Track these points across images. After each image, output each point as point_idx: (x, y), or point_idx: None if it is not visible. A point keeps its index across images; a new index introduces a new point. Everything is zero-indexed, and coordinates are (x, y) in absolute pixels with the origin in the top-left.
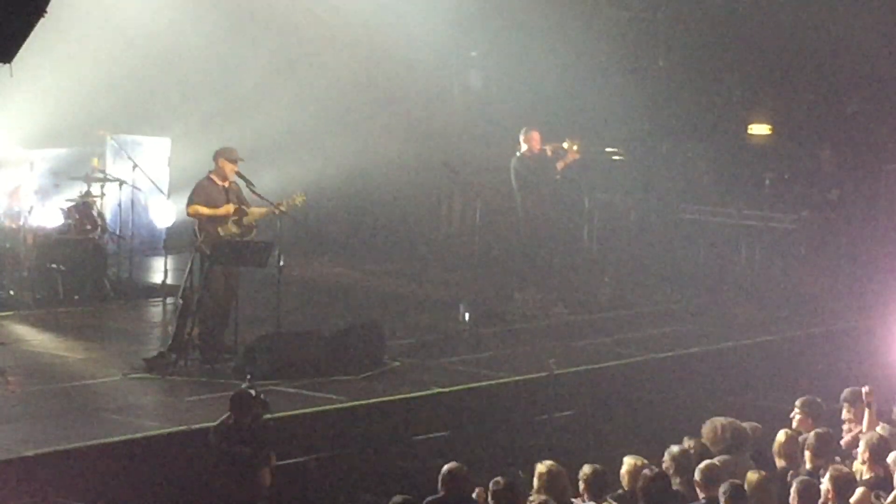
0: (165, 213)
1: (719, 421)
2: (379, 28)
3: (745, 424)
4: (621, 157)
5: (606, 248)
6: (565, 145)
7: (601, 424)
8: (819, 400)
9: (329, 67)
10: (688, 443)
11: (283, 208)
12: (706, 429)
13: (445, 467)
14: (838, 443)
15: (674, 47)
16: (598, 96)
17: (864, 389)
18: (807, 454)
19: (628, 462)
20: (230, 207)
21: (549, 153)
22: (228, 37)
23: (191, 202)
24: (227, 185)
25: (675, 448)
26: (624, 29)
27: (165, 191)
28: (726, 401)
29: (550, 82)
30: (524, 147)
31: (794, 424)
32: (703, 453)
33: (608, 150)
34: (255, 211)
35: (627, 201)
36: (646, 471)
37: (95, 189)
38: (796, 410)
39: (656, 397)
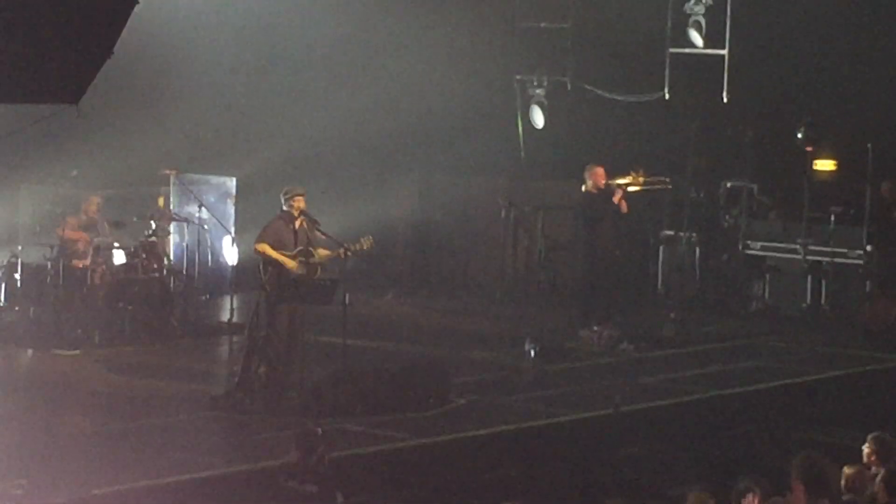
0: (231, 252)
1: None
2: (443, 68)
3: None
4: (668, 187)
5: (671, 284)
6: (629, 179)
7: (667, 461)
8: (890, 437)
9: (394, 106)
10: (752, 480)
11: (349, 252)
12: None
13: None
14: None
15: (738, 83)
16: (662, 132)
17: None
18: (879, 490)
19: (694, 499)
20: (295, 265)
21: (613, 188)
22: (292, 77)
23: (260, 240)
24: (296, 225)
25: (739, 485)
26: (687, 65)
27: (231, 230)
28: (795, 437)
29: (614, 119)
30: (588, 183)
31: (864, 460)
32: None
33: (658, 178)
34: (322, 253)
35: (692, 237)
36: None
37: (162, 228)
38: (867, 445)
39: (722, 434)
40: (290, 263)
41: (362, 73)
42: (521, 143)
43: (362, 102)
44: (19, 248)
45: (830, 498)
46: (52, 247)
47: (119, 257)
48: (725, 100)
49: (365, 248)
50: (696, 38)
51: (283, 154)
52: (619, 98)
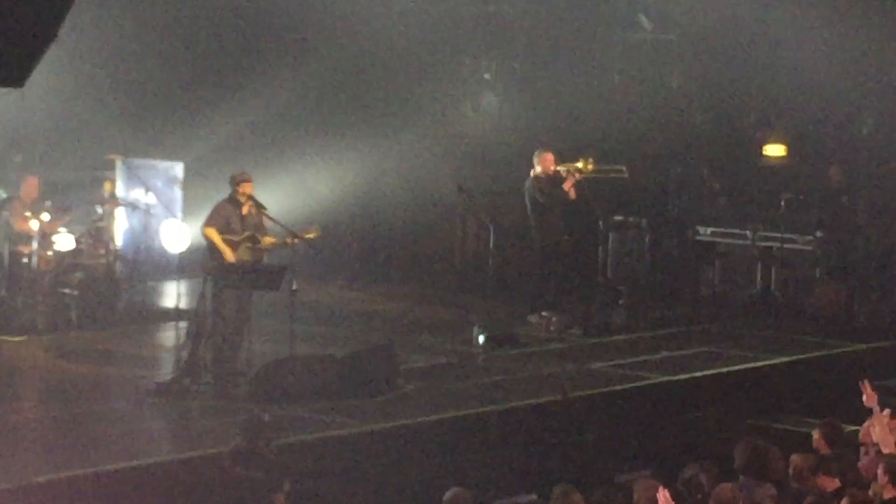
0: (178, 237)
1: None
2: (390, 49)
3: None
4: (624, 175)
5: (621, 271)
6: (580, 165)
7: (616, 447)
8: (839, 423)
9: (339, 89)
10: (698, 467)
11: (296, 239)
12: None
13: (449, 493)
14: (858, 466)
15: (687, 68)
16: (611, 117)
17: (885, 412)
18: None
19: (642, 485)
20: (232, 254)
21: (563, 174)
22: (241, 60)
23: (207, 223)
24: (244, 210)
25: (685, 472)
26: (637, 50)
27: (178, 214)
28: (743, 424)
29: (563, 104)
30: (538, 168)
31: (814, 446)
32: (713, 479)
33: (614, 167)
34: (268, 240)
35: (641, 223)
36: (659, 494)
37: (107, 213)
38: (816, 432)
39: (671, 420)
40: (229, 255)
41: (311, 53)
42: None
43: (311, 83)
44: None
45: (775, 483)
46: None
47: (66, 242)
48: (675, 85)
49: (312, 237)
50: (645, 22)
51: (230, 138)
52: (568, 82)
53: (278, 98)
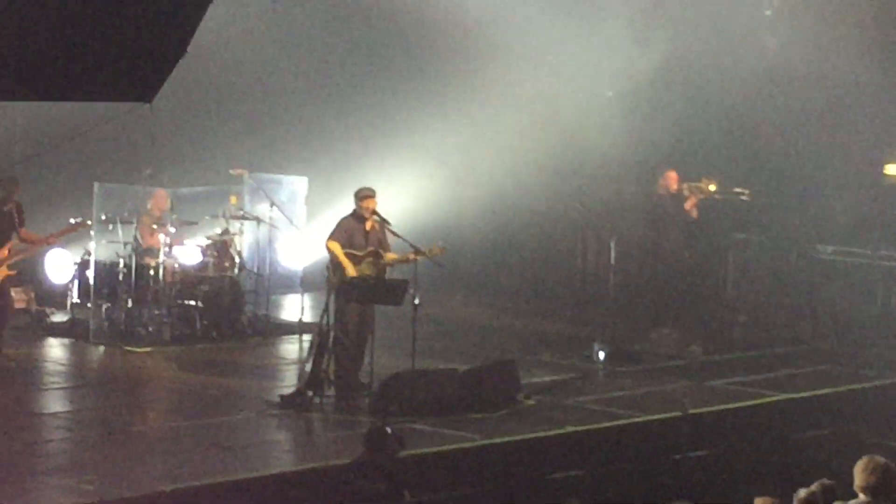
0: (302, 251)
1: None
2: (515, 64)
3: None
4: (747, 198)
5: (741, 288)
6: (703, 185)
7: (734, 465)
8: None
9: (462, 106)
10: (816, 486)
11: (418, 257)
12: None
13: None
14: None
15: (806, 87)
16: (733, 136)
17: None
18: None
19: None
20: (354, 269)
21: (686, 193)
22: (364, 74)
23: (331, 238)
24: (368, 226)
25: (802, 492)
26: (759, 70)
27: (303, 229)
28: (862, 443)
29: (686, 122)
30: (661, 186)
31: None
32: (832, 497)
33: (736, 189)
34: (391, 256)
35: (762, 241)
36: None
37: (233, 227)
38: None
39: (791, 438)
40: (351, 270)
41: (434, 68)
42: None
43: (434, 99)
44: (92, 245)
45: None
46: (124, 244)
47: (192, 256)
48: (796, 105)
49: (436, 253)
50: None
51: (354, 153)
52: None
53: (401, 113)
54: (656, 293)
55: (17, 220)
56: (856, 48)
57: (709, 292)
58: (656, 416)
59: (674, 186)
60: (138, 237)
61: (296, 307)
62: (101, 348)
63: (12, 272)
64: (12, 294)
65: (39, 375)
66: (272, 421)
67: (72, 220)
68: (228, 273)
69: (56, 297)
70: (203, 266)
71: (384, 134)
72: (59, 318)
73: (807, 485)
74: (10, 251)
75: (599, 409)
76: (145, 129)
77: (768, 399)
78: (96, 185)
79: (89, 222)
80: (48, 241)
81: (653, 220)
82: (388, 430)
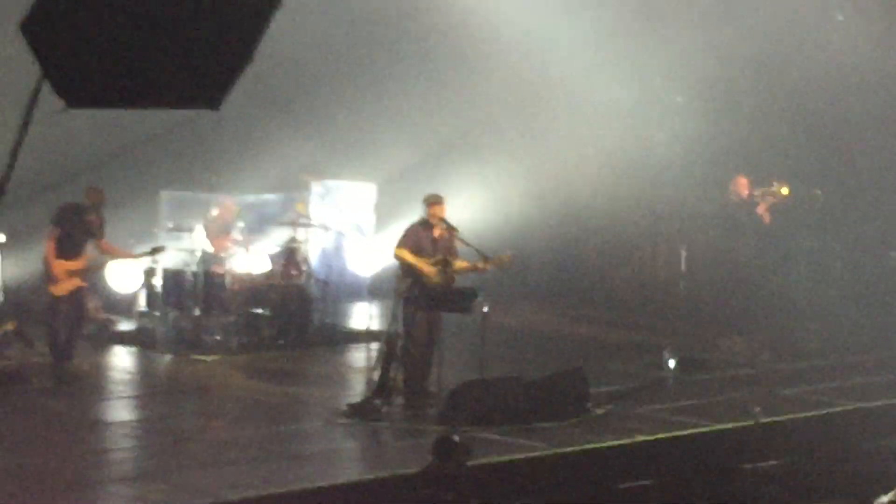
0: (370, 258)
1: None
2: (582, 80)
3: None
4: (818, 200)
5: (813, 295)
6: (774, 189)
7: (807, 474)
8: None
9: (531, 113)
10: (887, 497)
11: (487, 266)
12: None
13: None
14: None
15: (879, 91)
16: (805, 142)
17: None
18: None
19: None
20: (433, 271)
21: (757, 198)
22: (431, 79)
23: (399, 245)
24: (436, 233)
25: (884, 498)
26: (829, 75)
27: (370, 236)
28: None
29: (757, 128)
30: (732, 192)
31: None
32: None
33: (811, 192)
34: (460, 264)
35: (835, 248)
36: None
37: (301, 234)
38: None
39: (863, 447)
40: (428, 269)
41: (502, 73)
42: None
43: (502, 107)
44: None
45: None
46: (191, 252)
47: (259, 263)
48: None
49: (505, 262)
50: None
51: (422, 159)
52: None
53: (472, 122)
54: (726, 300)
55: (96, 230)
56: None
57: (780, 299)
58: (727, 425)
59: (745, 192)
60: (205, 245)
61: (364, 315)
62: (169, 357)
63: (85, 283)
64: (87, 303)
65: (107, 384)
66: (340, 430)
67: (154, 245)
68: (296, 281)
69: (121, 306)
70: (270, 274)
71: (453, 141)
72: (125, 326)
73: (880, 494)
74: (86, 261)
75: (669, 418)
76: (212, 136)
77: (840, 408)
78: (163, 193)
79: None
80: (132, 256)
81: (724, 226)
82: (456, 439)
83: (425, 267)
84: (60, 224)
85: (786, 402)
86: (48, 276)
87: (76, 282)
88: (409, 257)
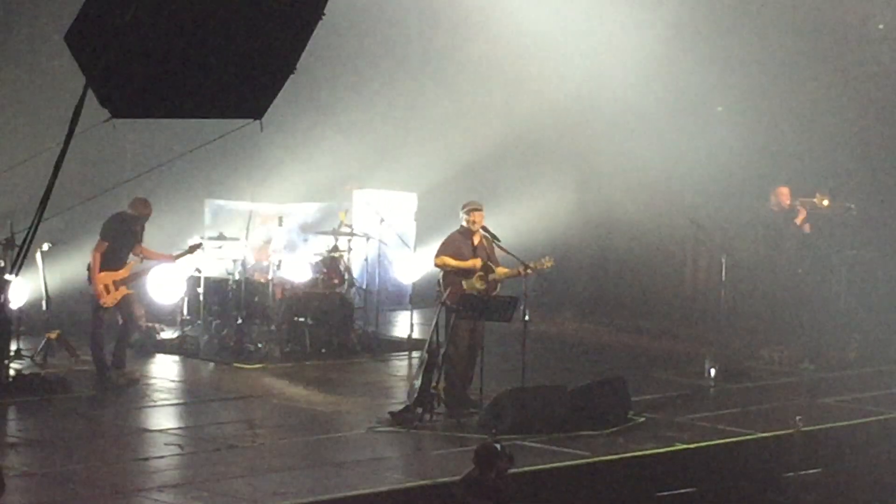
0: (411, 267)
1: None
2: (624, 91)
3: None
4: (853, 212)
5: (854, 305)
6: (815, 200)
7: (848, 483)
8: None
9: (578, 130)
10: None
11: (529, 271)
12: None
13: None
14: None
15: None
16: (845, 152)
17: None
18: None
19: None
20: (477, 262)
21: (797, 208)
22: (471, 87)
23: (439, 253)
24: (475, 241)
25: None
26: (871, 84)
27: (412, 245)
28: None
29: (797, 138)
30: (772, 202)
31: None
32: None
33: (846, 204)
34: (501, 270)
35: (874, 257)
36: None
37: (343, 243)
38: None
39: None
40: (473, 262)
41: (542, 82)
42: None
43: (541, 117)
44: (202, 261)
45: None
46: (234, 261)
47: (301, 272)
48: None
49: (546, 267)
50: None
51: (463, 168)
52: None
53: (513, 131)
54: (768, 309)
55: (139, 238)
56: None
57: (821, 308)
58: (768, 434)
59: (786, 202)
60: (248, 254)
61: (405, 324)
62: (211, 365)
63: (131, 290)
64: (136, 310)
65: (150, 392)
66: (382, 438)
67: (191, 242)
68: (338, 290)
69: (163, 314)
70: (312, 283)
71: (495, 152)
72: (167, 334)
73: None
74: (130, 269)
75: (710, 427)
76: (255, 146)
77: (881, 416)
78: (206, 202)
79: (204, 241)
80: (172, 259)
81: (765, 236)
82: (498, 446)
83: (468, 264)
84: (108, 238)
85: (827, 411)
86: (95, 289)
87: (123, 290)
88: (452, 262)
